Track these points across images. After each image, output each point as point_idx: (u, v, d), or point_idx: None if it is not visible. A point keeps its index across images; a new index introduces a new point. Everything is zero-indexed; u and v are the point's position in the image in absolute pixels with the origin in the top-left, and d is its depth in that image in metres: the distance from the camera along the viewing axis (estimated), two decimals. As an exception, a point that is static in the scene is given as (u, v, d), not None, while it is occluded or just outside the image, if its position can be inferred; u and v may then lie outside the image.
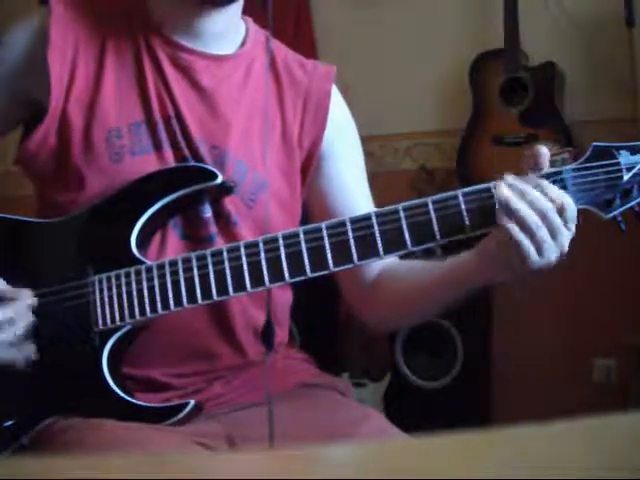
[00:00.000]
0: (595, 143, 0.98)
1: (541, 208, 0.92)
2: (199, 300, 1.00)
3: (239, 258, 0.99)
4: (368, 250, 0.97)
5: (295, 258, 0.98)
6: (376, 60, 2.96)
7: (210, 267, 0.99)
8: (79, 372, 1.04)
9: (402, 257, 1.14)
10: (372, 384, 2.68)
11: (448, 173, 2.77)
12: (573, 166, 0.97)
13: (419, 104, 2.91)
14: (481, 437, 0.37)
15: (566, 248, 0.94)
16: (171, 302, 1.00)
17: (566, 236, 0.94)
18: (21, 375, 1.03)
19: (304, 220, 1.18)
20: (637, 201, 0.98)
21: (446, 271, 1.08)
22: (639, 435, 0.38)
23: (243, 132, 1.13)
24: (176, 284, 1.00)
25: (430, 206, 0.96)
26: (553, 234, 0.93)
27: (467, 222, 0.96)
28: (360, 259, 0.97)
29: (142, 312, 1.01)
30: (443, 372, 2.62)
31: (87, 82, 1.08)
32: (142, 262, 1.03)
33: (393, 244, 0.97)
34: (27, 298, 1.02)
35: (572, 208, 0.94)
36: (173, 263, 1.01)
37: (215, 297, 0.99)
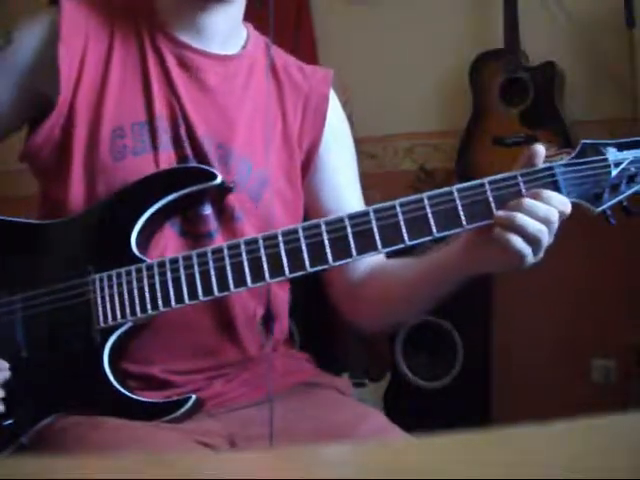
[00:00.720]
0: (584, 140, 1.02)
1: (546, 216, 0.95)
2: (200, 296, 1.00)
3: (239, 255, 1.00)
4: (366, 245, 0.99)
5: (295, 254, 0.99)
6: (376, 60, 2.96)
7: (211, 264, 1.00)
8: (80, 370, 1.04)
9: (388, 255, 1.15)
10: (372, 384, 2.68)
11: (448, 173, 2.77)
12: (563, 162, 1.00)
13: (419, 104, 2.91)
14: (481, 437, 0.37)
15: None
16: (172, 299, 1.01)
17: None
18: (21, 374, 1.03)
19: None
20: (625, 195, 1.01)
21: (431, 267, 1.09)
22: (639, 435, 0.38)
23: (247, 131, 1.14)
24: (177, 281, 1.01)
25: (426, 202, 0.98)
26: (551, 235, 0.96)
27: (463, 217, 0.97)
28: (359, 253, 0.99)
29: (143, 309, 1.01)
30: (443, 372, 2.62)
31: (94, 80, 1.09)
32: (142, 261, 1.03)
33: (390, 239, 0.99)
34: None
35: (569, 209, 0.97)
36: (174, 261, 1.02)
37: (216, 293, 1.00)
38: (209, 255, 1.01)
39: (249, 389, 1.13)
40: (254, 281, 1.00)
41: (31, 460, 0.37)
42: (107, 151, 1.07)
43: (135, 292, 1.02)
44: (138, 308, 1.02)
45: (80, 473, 0.34)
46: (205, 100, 1.12)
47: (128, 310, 1.02)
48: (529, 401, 2.68)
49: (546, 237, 0.96)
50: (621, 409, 0.39)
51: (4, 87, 1.12)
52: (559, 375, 2.70)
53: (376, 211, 0.99)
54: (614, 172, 1.00)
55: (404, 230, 0.98)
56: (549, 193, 0.96)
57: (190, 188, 1.06)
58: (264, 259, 0.99)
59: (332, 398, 1.17)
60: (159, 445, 0.95)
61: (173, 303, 1.01)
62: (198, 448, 1.00)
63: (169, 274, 1.01)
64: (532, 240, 0.95)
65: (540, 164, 0.99)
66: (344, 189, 1.23)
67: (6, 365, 1.03)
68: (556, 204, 0.96)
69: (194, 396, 1.03)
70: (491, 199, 0.98)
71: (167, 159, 1.09)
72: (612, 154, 1.00)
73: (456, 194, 0.98)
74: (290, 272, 0.99)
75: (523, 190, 0.98)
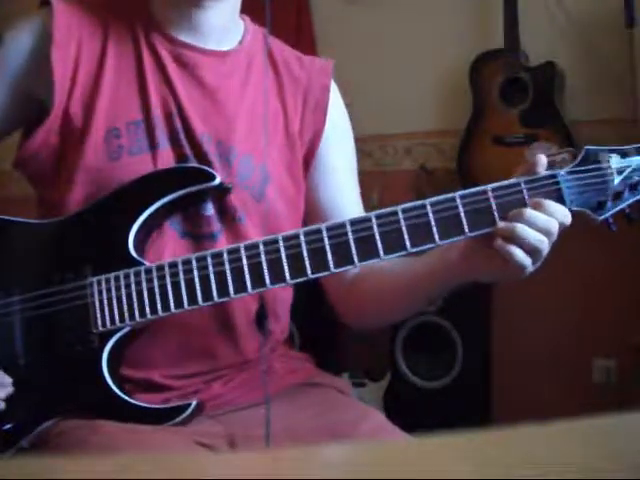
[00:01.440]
0: (587, 147, 1.01)
1: (546, 227, 0.95)
2: (200, 302, 0.99)
3: (239, 259, 0.99)
4: (368, 251, 0.98)
5: (296, 259, 0.98)
6: (376, 60, 2.96)
7: (210, 268, 0.99)
8: (79, 374, 1.03)
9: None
10: (372, 384, 2.68)
11: (448, 173, 2.77)
12: (567, 170, 0.99)
13: (419, 104, 2.91)
14: (481, 437, 0.37)
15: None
16: (171, 304, 1.00)
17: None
18: (20, 377, 1.03)
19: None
20: (627, 203, 1.00)
21: (427, 271, 1.07)
22: (639, 435, 0.38)
23: (247, 127, 1.13)
24: (176, 285, 1.00)
25: (428, 208, 0.97)
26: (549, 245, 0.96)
27: (465, 224, 0.97)
28: (360, 260, 0.98)
29: (142, 314, 1.01)
30: (443, 372, 2.62)
31: (88, 81, 1.08)
32: (140, 263, 1.03)
33: (393, 245, 0.97)
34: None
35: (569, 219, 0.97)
36: (173, 265, 1.01)
37: (216, 299, 0.99)
38: (209, 260, 1.00)
39: (248, 390, 1.13)
40: (254, 287, 0.98)
41: (31, 461, 0.37)
42: (103, 152, 1.06)
43: (134, 296, 1.01)
44: (137, 312, 1.01)
45: (80, 473, 0.34)
46: (203, 97, 1.12)
47: (127, 314, 1.01)
48: (529, 401, 2.68)
49: (546, 247, 0.95)
50: (621, 409, 0.39)
51: None
52: (559, 375, 2.70)
53: (378, 217, 0.98)
54: (617, 180, 0.99)
55: (406, 237, 0.97)
56: (550, 203, 0.96)
57: (188, 189, 1.05)
58: (265, 265, 0.98)
59: (332, 398, 1.17)
60: (158, 447, 0.95)
61: (172, 308, 1.00)
62: (198, 449, 1.00)
63: (168, 278, 1.00)
64: (532, 251, 0.95)
65: (542, 173, 0.99)
66: (343, 185, 1.23)
67: (9, 380, 1.02)
68: (557, 215, 0.95)
69: (195, 401, 1.02)
70: (494, 206, 0.97)
71: (166, 158, 1.08)
72: (615, 161, 0.99)
73: (459, 201, 0.97)
74: (291, 278, 0.98)
75: (526, 198, 0.97)
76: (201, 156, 1.09)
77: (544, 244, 0.95)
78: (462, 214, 0.97)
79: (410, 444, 0.48)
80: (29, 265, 1.08)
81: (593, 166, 0.99)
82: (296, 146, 1.17)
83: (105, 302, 1.02)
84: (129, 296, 1.01)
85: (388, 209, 0.98)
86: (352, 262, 0.98)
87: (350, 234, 0.98)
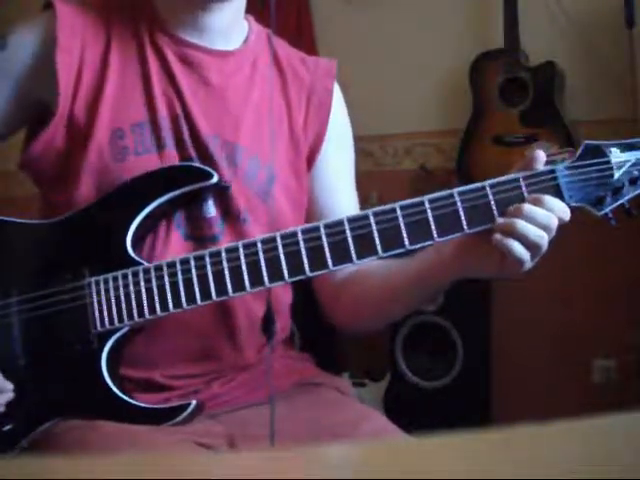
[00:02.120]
0: (587, 142, 1.00)
1: (546, 222, 0.94)
2: (198, 301, 0.99)
3: (237, 258, 0.99)
4: (366, 249, 0.97)
5: (294, 258, 0.98)
6: (376, 60, 2.96)
7: (209, 267, 0.99)
8: (78, 374, 1.03)
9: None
10: (372, 384, 2.68)
11: (448, 173, 2.77)
12: (566, 165, 0.98)
13: (419, 104, 2.91)
14: (481, 437, 0.37)
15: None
16: (170, 303, 1.00)
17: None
18: (20, 378, 1.03)
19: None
20: (627, 198, 0.99)
21: (421, 269, 1.07)
22: (639, 435, 0.38)
23: (253, 127, 1.13)
24: (174, 285, 1.00)
25: (427, 205, 0.97)
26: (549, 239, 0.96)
27: (464, 220, 0.96)
28: (359, 258, 0.98)
29: (140, 314, 1.01)
30: (443, 372, 2.62)
31: (92, 83, 1.08)
32: (138, 263, 1.03)
33: (391, 242, 0.97)
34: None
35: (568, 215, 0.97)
36: (171, 264, 1.01)
37: (214, 297, 0.99)
38: (207, 259, 1.00)
39: (248, 390, 1.13)
40: (253, 285, 0.98)
41: (31, 461, 0.37)
42: (108, 153, 1.06)
43: (132, 296, 1.01)
44: (135, 312, 1.01)
45: (80, 473, 0.34)
46: (209, 97, 1.12)
47: (125, 314, 1.01)
48: (529, 401, 2.68)
49: (545, 243, 0.95)
50: (621, 409, 0.39)
51: (0, 92, 1.12)
52: (559, 375, 2.70)
53: (376, 214, 0.98)
54: (617, 174, 0.98)
55: (405, 234, 0.97)
56: (549, 199, 0.95)
57: (185, 188, 1.05)
58: (263, 263, 0.98)
59: (332, 398, 1.17)
60: (158, 447, 0.95)
61: (171, 307, 1.00)
62: (197, 449, 1.00)
63: (166, 278, 1.00)
64: (532, 246, 0.94)
65: (540, 169, 0.98)
66: (341, 186, 1.23)
67: (10, 386, 1.02)
68: (556, 210, 0.95)
69: (194, 401, 1.02)
70: (492, 202, 0.96)
71: (171, 159, 1.08)
72: (615, 156, 0.99)
73: (457, 197, 0.97)
74: (289, 276, 0.98)
75: (525, 193, 0.96)
76: (206, 157, 1.09)
77: (543, 239, 0.95)
78: (460, 210, 0.97)
79: (410, 444, 0.48)
80: (28, 266, 1.08)
81: (592, 161, 0.99)
82: (300, 146, 1.18)
83: (104, 302, 1.02)
84: (127, 296, 1.01)
85: (386, 206, 0.98)
86: (351, 260, 0.98)
87: (348, 231, 0.98)
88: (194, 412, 1.02)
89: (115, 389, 1.02)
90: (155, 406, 1.04)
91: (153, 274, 1.01)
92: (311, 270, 0.98)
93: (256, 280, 0.98)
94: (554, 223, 0.95)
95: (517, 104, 2.64)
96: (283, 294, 1.19)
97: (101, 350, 1.02)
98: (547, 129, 2.59)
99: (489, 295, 2.71)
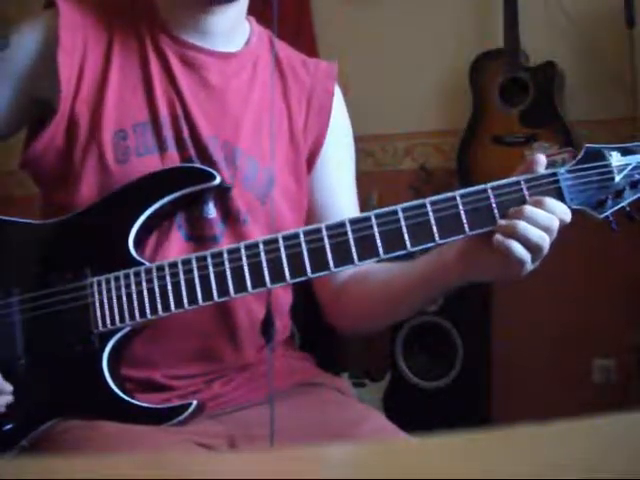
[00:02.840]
0: (588, 145, 1.00)
1: (547, 224, 0.94)
2: (200, 301, 0.99)
3: (239, 259, 0.99)
4: (368, 250, 0.98)
5: (296, 259, 0.98)
6: (376, 60, 2.96)
7: (210, 268, 0.99)
8: (79, 374, 1.03)
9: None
10: (372, 384, 2.68)
11: (448, 173, 2.77)
12: (567, 168, 0.99)
13: (419, 104, 2.91)
14: (481, 437, 0.37)
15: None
16: (172, 304, 1.00)
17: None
18: (20, 378, 1.03)
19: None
20: (628, 201, 1.00)
21: (423, 273, 1.07)
22: (639, 435, 0.38)
23: (253, 129, 1.13)
24: (176, 285, 1.00)
25: (428, 207, 0.97)
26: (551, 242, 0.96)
27: (465, 223, 0.96)
28: (360, 259, 0.98)
29: (142, 314, 1.01)
30: (443, 372, 2.62)
31: (94, 84, 1.08)
32: (140, 263, 1.03)
33: (393, 244, 0.97)
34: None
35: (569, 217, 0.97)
36: (173, 265, 1.01)
37: (216, 298, 0.99)
38: (208, 259, 0.99)
39: (249, 390, 1.13)
40: (255, 286, 0.98)
41: (32, 461, 0.37)
42: (111, 154, 1.06)
43: (134, 296, 1.01)
44: (137, 312, 1.01)
45: (80, 474, 0.34)
46: (209, 99, 1.12)
47: (127, 314, 1.01)
48: (529, 401, 2.68)
49: (547, 245, 0.95)
50: (621, 409, 0.39)
51: (1, 91, 1.12)
52: (559, 375, 2.70)
53: (378, 216, 0.98)
54: (617, 178, 0.98)
55: (406, 236, 0.97)
56: (551, 201, 0.95)
57: (188, 189, 1.05)
58: (265, 264, 0.98)
59: (332, 398, 1.17)
60: (159, 447, 0.95)
61: (172, 308, 1.00)
62: (198, 450, 1.00)
63: (168, 278, 1.00)
64: (533, 248, 0.94)
65: (542, 172, 0.98)
66: (341, 188, 1.23)
67: (9, 388, 1.02)
68: (557, 212, 0.95)
69: (195, 401, 1.02)
70: (494, 205, 0.96)
71: (173, 159, 1.08)
72: (616, 159, 0.99)
73: (459, 200, 0.97)
74: (291, 277, 0.98)
75: (526, 196, 0.97)
76: (206, 158, 1.09)
77: (545, 241, 0.95)
78: (462, 213, 0.97)
79: (410, 444, 0.48)
80: (29, 265, 1.08)
81: (593, 164, 0.99)
82: (300, 148, 1.18)
83: (105, 302, 1.02)
84: (129, 296, 1.01)
85: (388, 208, 0.98)
86: (352, 261, 0.98)
87: (350, 233, 0.98)
88: (194, 412, 1.02)
89: (116, 389, 1.02)
90: (156, 406, 1.04)
91: (155, 274, 1.01)
92: (313, 271, 0.98)
93: (258, 281, 0.98)
94: (555, 225, 0.95)
95: (517, 104, 2.64)
96: (283, 295, 1.19)
97: (102, 350, 1.02)
98: (547, 129, 2.59)
99: (489, 295, 2.71)
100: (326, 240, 0.98)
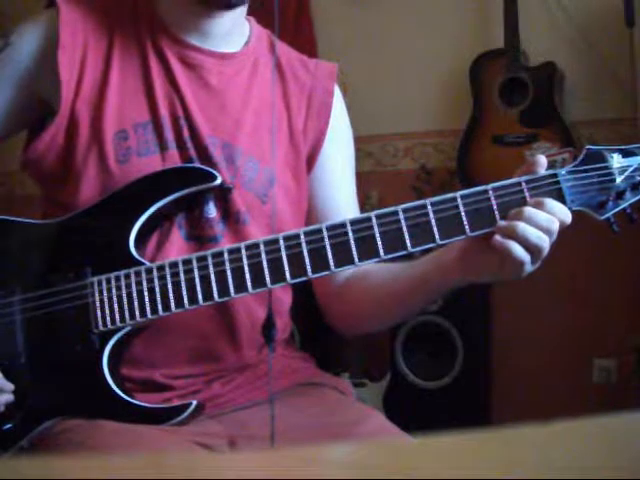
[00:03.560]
0: (588, 146, 1.00)
1: (547, 225, 0.94)
2: (200, 301, 1.00)
3: (240, 259, 0.99)
4: (368, 251, 0.98)
5: (296, 259, 0.98)
6: (376, 60, 2.96)
7: (211, 268, 0.99)
8: (79, 374, 1.03)
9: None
10: (372, 384, 2.68)
11: (448, 173, 2.77)
12: (567, 169, 0.99)
13: (419, 104, 2.91)
14: (481, 437, 0.37)
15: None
16: (172, 303, 1.00)
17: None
18: (21, 377, 1.03)
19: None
20: (629, 203, 0.99)
21: (422, 273, 1.07)
22: (639, 435, 0.38)
23: (253, 129, 1.14)
24: (177, 285, 1.00)
25: (429, 208, 0.97)
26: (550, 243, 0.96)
27: (466, 224, 0.96)
28: (361, 260, 0.98)
29: (142, 313, 1.01)
30: (443, 372, 2.62)
31: (95, 84, 1.08)
32: (141, 263, 1.03)
33: (393, 245, 0.97)
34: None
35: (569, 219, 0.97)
36: (173, 264, 1.01)
37: (216, 298, 0.99)
38: (209, 259, 1.00)
39: (249, 390, 1.13)
40: (255, 287, 0.98)
41: (31, 460, 0.37)
42: (112, 155, 1.06)
43: (134, 296, 1.01)
44: (137, 312, 1.01)
45: (81, 473, 0.34)
46: (209, 99, 1.12)
47: (127, 314, 1.01)
48: (529, 401, 2.68)
49: (547, 246, 0.95)
50: (621, 409, 0.39)
51: (2, 91, 1.12)
52: (559, 375, 2.70)
53: (378, 217, 0.98)
54: (618, 179, 0.98)
55: (407, 236, 0.97)
56: (551, 202, 0.95)
57: (189, 189, 1.05)
58: (265, 264, 0.98)
59: (332, 398, 1.17)
60: (159, 447, 0.95)
61: (173, 308, 1.00)
62: (198, 450, 1.00)
63: (169, 278, 1.00)
64: (532, 248, 0.94)
65: (542, 173, 0.98)
66: (341, 189, 1.23)
67: (10, 387, 1.02)
68: (558, 213, 0.95)
69: (195, 401, 1.03)
70: (495, 206, 0.96)
71: (173, 160, 1.09)
72: (617, 161, 0.98)
73: (460, 200, 0.97)
74: (292, 278, 0.98)
75: (527, 197, 0.97)
76: (207, 158, 1.09)
77: (544, 242, 0.95)
78: (463, 214, 0.97)
79: (410, 444, 0.48)
80: (30, 265, 1.08)
81: (594, 165, 0.99)
82: (300, 148, 1.18)
83: (105, 302, 1.02)
84: (129, 296, 1.01)
85: (388, 209, 0.98)
86: (352, 262, 0.98)
87: (351, 234, 0.98)
88: (194, 412, 1.02)
89: (116, 389, 1.02)
90: (155, 406, 1.04)
91: (155, 274, 1.01)
92: (313, 272, 0.98)
93: (258, 281, 0.98)
94: (555, 226, 0.95)
95: (517, 104, 2.64)
96: (283, 295, 1.19)
97: (102, 350, 1.02)
98: (547, 129, 2.59)
99: (489, 295, 2.71)
100: (327, 240, 0.98)
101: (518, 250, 0.94)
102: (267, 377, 1.07)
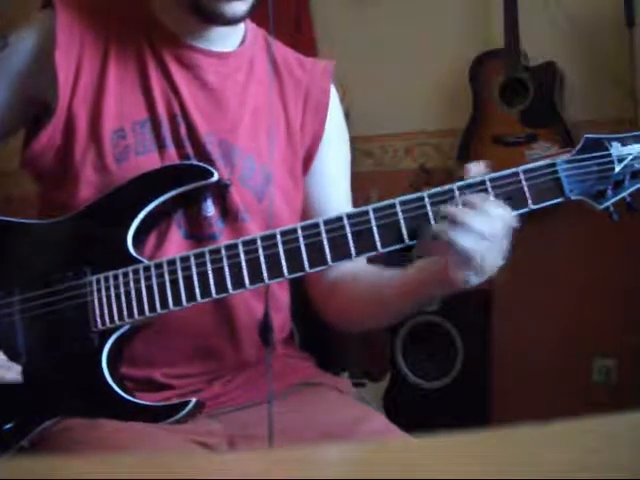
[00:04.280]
0: (587, 135, 0.99)
1: (483, 230, 0.93)
2: (198, 298, 1.00)
3: (237, 255, 0.99)
4: (365, 244, 0.98)
5: (293, 254, 0.98)
6: (376, 60, 2.96)
7: (209, 265, 0.99)
8: (79, 373, 1.04)
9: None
10: (372, 384, 2.68)
11: (448, 173, 2.77)
12: (566, 158, 0.98)
13: (419, 103, 2.91)
14: (481, 437, 0.37)
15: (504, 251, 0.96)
16: (170, 301, 1.00)
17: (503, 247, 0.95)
18: (20, 377, 1.03)
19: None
20: (628, 191, 0.99)
21: (403, 283, 1.07)
22: (639, 435, 0.38)
23: (250, 128, 1.14)
24: (175, 283, 1.00)
25: (427, 200, 0.97)
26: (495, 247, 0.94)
27: None
28: (358, 253, 0.98)
29: (141, 311, 1.01)
30: (443, 372, 2.62)
31: (92, 83, 1.08)
32: (139, 261, 1.03)
33: (390, 238, 0.98)
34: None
35: (510, 223, 0.95)
36: (171, 262, 1.01)
37: (214, 295, 1.00)
38: (207, 256, 1.00)
39: (248, 389, 1.13)
40: (252, 282, 0.99)
41: (31, 460, 0.37)
42: (110, 153, 1.07)
43: (133, 294, 1.01)
44: (136, 310, 1.01)
45: (81, 473, 0.34)
46: (206, 98, 1.12)
47: (126, 312, 1.01)
48: (529, 401, 2.68)
49: (494, 230, 0.93)
50: (621, 409, 0.39)
51: (0, 91, 1.12)
52: (559, 375, 2.70)
53: (375, 210, 0.98)
54: (618, 168, 0.97)
55: (404, 230, 0.97)
56: (485, 204, 0.94)
57: (186, 186, 1.05)
58: (262, 260, 0.98)
59: (332, 398, 1.17)
60: (158, 446, 0.95)
61: (171, 305, 1.00)
62: (197, 449, 1.00)
63: (167, 276, 1.00)
64: (479, 233, 0.92)
65: (541, 162, 0.98)
66: (335, 188, 1.23)
67: (18, 368, 1.02)
68: (493, 215, 0.93)
69: (194, 399, 1.03)
70: (492, 197, 0.96)
71: (171, 158, 1.09)
72: (616, 149, 0.98)
73: (457, 192, 0.97)
74: (289, 273, 0.98)
75: (525, 187, 0.96)
76: (204, 156, 1.09)
77: (490, 226, 0.93)
78: (461, 205, 0.96)
79: (410, 444, 0.48)
80: (29, 265, 1.08)
81: (593, 154, 0.98)
82: (297, 146, 1.18)
83: (104, 300, 1.02)
84: (128, 294, 1.01)
85: (385, 202, 0.98)
86: (349, 256, 0.98)
87: (348, 227, 0.98)
88: (193, 410, 1.02)
89: (115, 387, 1.02)
90: (154, 404, 1.04)
91: (153, 272, 1.01)
92: (310, 266, 0.98)
93: (256, 277, 0.99)
94: (493, 211, 0.93)
95: (517, 104, 2.64)
96: (280, 292, 1.19)
97: (102, 348, 1.02)
98: (547, 129, 2.59)
99: (489, 295, 2.71)
100: (324, 235, 0.98)
101: (462, 236, 0.92)
102: (267, 377, 1.07)
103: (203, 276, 0.99)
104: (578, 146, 0.99)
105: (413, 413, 2.53)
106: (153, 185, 1.06)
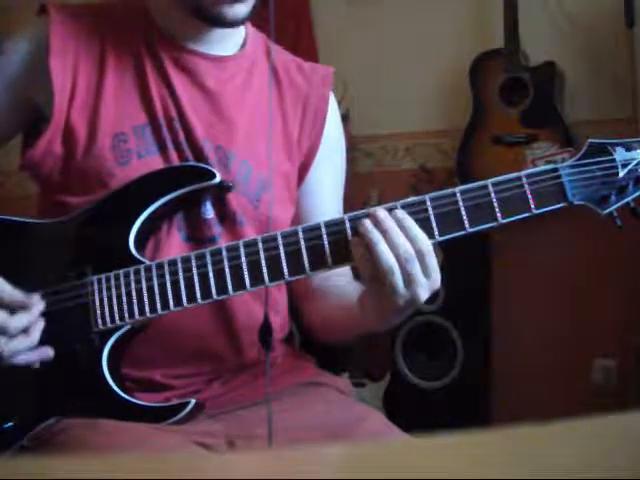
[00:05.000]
0: (591, 140, 0.98)
1: (400, 253, 0.92)
2: (199, 299, 1.00)
3: (238, 257, 0.99)
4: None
5: (294, 256, 0.98)
6: (376, 60, 2.96)
7: (209, 266, 0.99)
8: (79, 373, 1.04)
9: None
10: (372, 384, 2.68)
11: (448, 173, 2.77)
12: (569, 163, 0.97)
13: (419, 103, 2.91)
14: (481, 437, 0.37)
15: (434, 285, 0.94)
16: (171, 302, 1.00)
17: (425, 283, 0.94)
18: (20, 376, 1.03)
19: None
20: (632, 197, 0.98)
21: (351, 306, 1.06)
22: (639, 435, 0.38)
23: (247, 133, 1.13)
24: (175, 284, 1.00)
25: (428, 203, 0.97)
26: (413, 276, 0.93)
27: (466, 219, 0.96)
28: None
29: (141, 312, 1.01)
30: (443, 372, 2.62)
31: (89, 88, 1.08)
32: (141, 262, 1.03)
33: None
34: (38, 304, 1.01)
35: (431, 255, 0.94)
36: (172, 263, 1.01)
37: (215, 296, 1.00)
38: (208, 257, 1.00)
39: (248, 390, 1.13)
40: (253, 284, 0.98)
41: (31, 460, 0.37)
42: (111, 158, 1.06)
43: (133, 294, 1.01)
44: (136, 311, 1.01)
45: (81, 473, 0.34)
46: (204, 102, 1.12)
47: (126, 312, 1.01)
48: (529, 401, 2.68)
49: (415, 270, 0.92)
50: (621, 409, 0.39)
51: None
52: (559, 375, 2.70)
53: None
54: (622, 173, 0.96)
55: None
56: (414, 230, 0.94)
57: (188, 187, 1.05)
58: (263, 262, 0.98)
59: (332, 398, 1.17)
60: (158, 446, 0.95)
61: (172, 306, 1.00)
62: (197, 449, 1.00)
63: (168, 276, 1.00)
64: (400, 248, 0.92)
65: (543, 167, 0.97)
66: (327, 197, 1.23)
67: (39, 298, 1.01)
68: (413, 239, 0.93)
69: (193, 400, 1.03)
70: (495, 201, 0.95)
71: (173, 160, 1.09)
72: (620, 154, 0.97)
73: (459, 196, 0.96)
74: (290, 275, 0.98)
75: (527, 192, 0.95)
76: (202, 161, 1.09)
77: (409, 248, 0.92)
78: (462, 209, 0.96)
79: (410, 444, 0.48)
80: (30, 265, 1.08)
81: (597, 159, 0.97)
82: (293, 153, 1.18)
83: (105, 301, 1.02)
84: (129, 294, 1.01)
85: (387, 204, 0.98)
86: (350, 259, 0.98)
87: (349, 231, 0.98)
88: (193, 411, 1.02)
89: (116, 388, 1.02)
90: (154, 404, 1.04)
91: (154, 272, 1.01)
92: (311, 269, 0.98)
93: (256, 279, 0.98)
94: (409, 253, 0.92)
95: (517, 104, 2.64)
96: (278, 294, 1.20)
97: (102, 348, 1.02)
98: (547, 129, 2.59)
99: (489, 295, 2.71)
100: (325, 238, 0.98)
101: (383, 246, 0.92)
102: (266, 377, 1.07)
103: (204, 277, 0.99)
104: (582, 151, 0.98)
105: (413, 413, 2.53)
106: (156, 186, 1.06)
